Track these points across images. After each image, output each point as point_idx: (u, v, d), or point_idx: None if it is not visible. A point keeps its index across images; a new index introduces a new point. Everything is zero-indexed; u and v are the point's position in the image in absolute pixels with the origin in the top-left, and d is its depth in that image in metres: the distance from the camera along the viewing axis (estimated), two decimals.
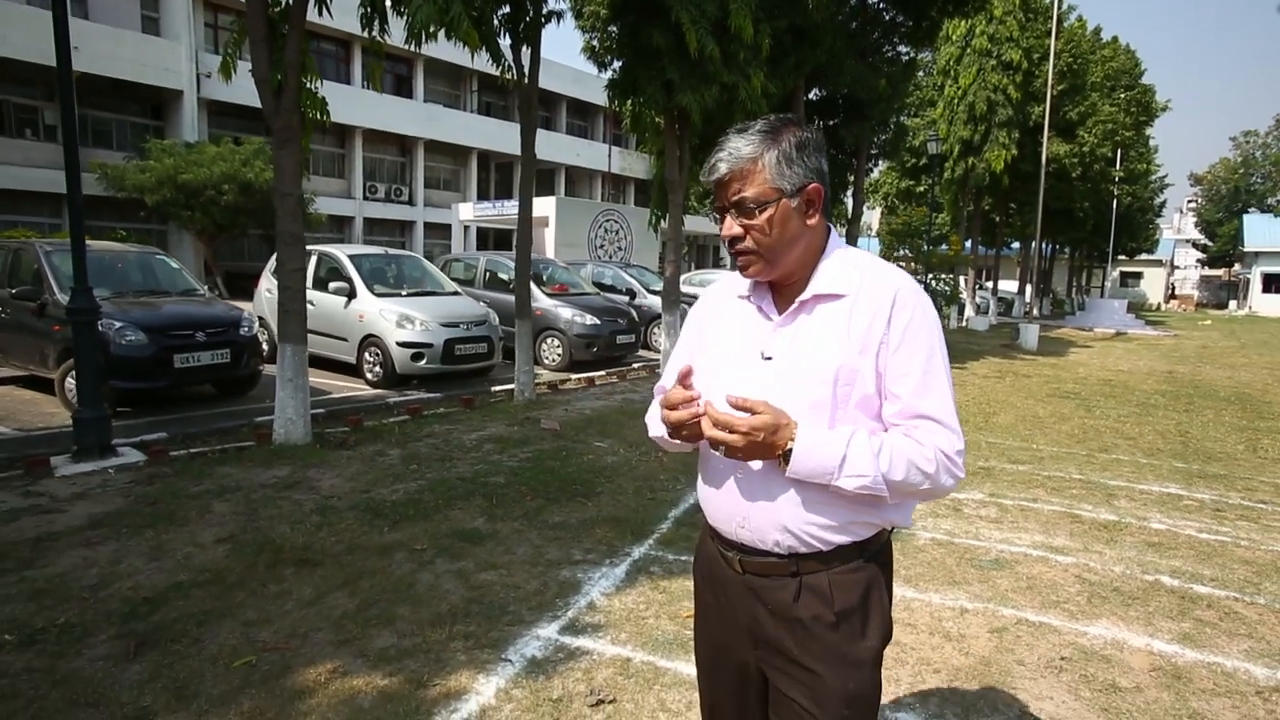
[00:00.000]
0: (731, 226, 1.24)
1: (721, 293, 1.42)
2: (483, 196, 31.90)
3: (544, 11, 6.70)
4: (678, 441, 1.30)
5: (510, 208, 24.49)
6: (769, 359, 1.25)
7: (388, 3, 4.96)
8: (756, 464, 1.24)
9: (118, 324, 5.75)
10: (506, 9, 6.32)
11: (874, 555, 1.27)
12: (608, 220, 21.70)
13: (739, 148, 1.21)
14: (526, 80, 6.69)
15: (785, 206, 1.21)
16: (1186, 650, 2.84)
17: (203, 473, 4.65)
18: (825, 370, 1.20)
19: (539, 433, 6.15)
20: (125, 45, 21.43)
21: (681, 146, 8.90)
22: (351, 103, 24.20)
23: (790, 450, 1.14)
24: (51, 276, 6.19)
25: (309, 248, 9.48)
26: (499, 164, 34.15)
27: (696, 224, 24.58)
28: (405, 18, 4.46)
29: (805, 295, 1.25)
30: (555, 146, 33.76)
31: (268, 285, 9.11)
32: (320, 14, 5.11)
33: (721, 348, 1.33)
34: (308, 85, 5.14)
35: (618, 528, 4.06)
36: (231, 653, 2.68)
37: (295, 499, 4.29)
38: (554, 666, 2.65)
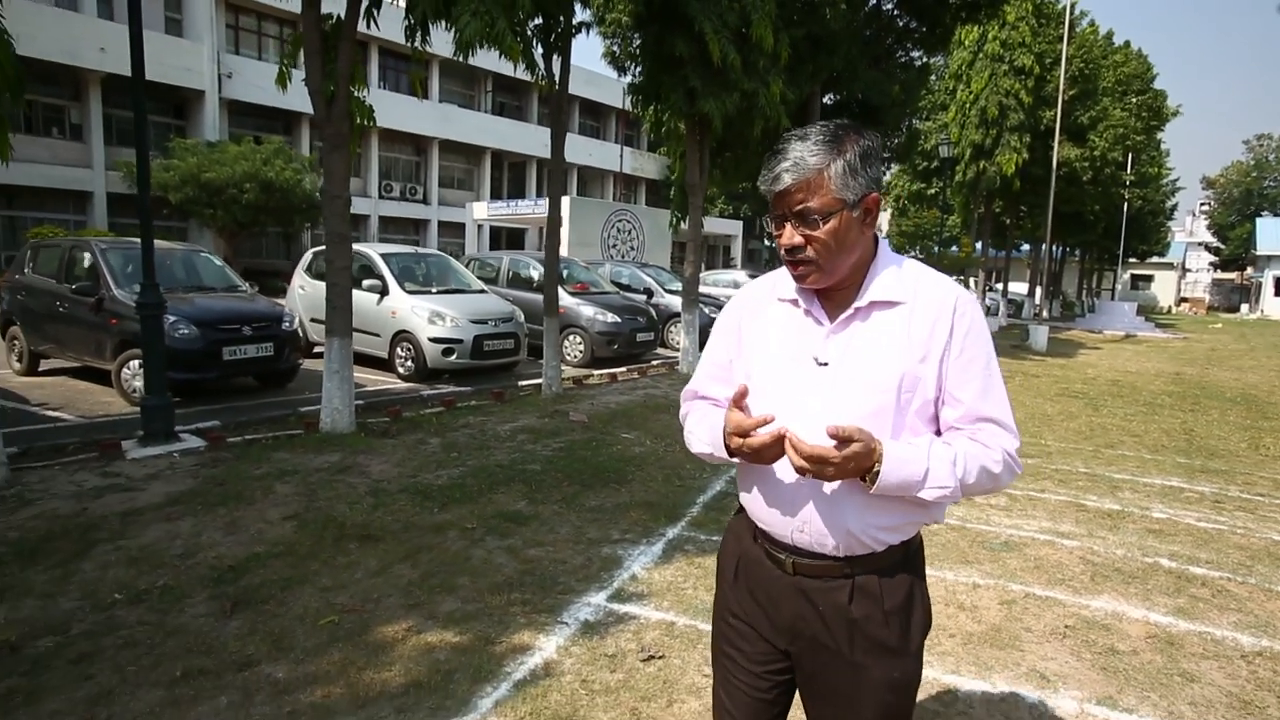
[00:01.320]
0: (793, 236, 1.21)
1: (759, 295, 1.39)
2: (496, 196, 32.22)
3: (574, 22, 6.99)
4: (729, 459, 1.31)
5: (524, 207, 24.83)
6: (824, 365, 1.25)
7: (428, 17, 5.23)
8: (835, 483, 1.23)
9: (171, 318, 6.08)
10: (539, 20, 6.61)
11: (914, 554, 1.33)
12: (620, 220, 21.98)
13: (804, 157, 1.19)
14: (558, 88, 6.98)
15: (847, 217, 1.19)
16: (1180, 621, 3.11)
17: (260, 457, 4.98)
18: (889, 378, 1.21)
19: (568, 425, 6.45)
20: (149, 46, 21.75)
21: (702, 151, 9.19)
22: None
23: (877, 470, 1.15)
24: (108, 273, 6.53)
25: None
26: (512, 164, 34.49)
27: (708, 224, 24.82)
28: (453, 32, 4.74)
29: (861, 302, 1.25)
30: (568, 147, 33.48)
31: (300, 282, 9.46)
32: (369, 26, 5.41)
33: (769, 352, 1.32)
34: (356, 94, 5.45)
35: (651, 511, 4.35)
36: (315, 613, 2.98)
37: (349, 482, 4.61)
38: (606, 629, 2.95)
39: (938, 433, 1.27)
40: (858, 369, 1.22)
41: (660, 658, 2.72)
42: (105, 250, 6.74)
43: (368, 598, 3.13)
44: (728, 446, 1.27)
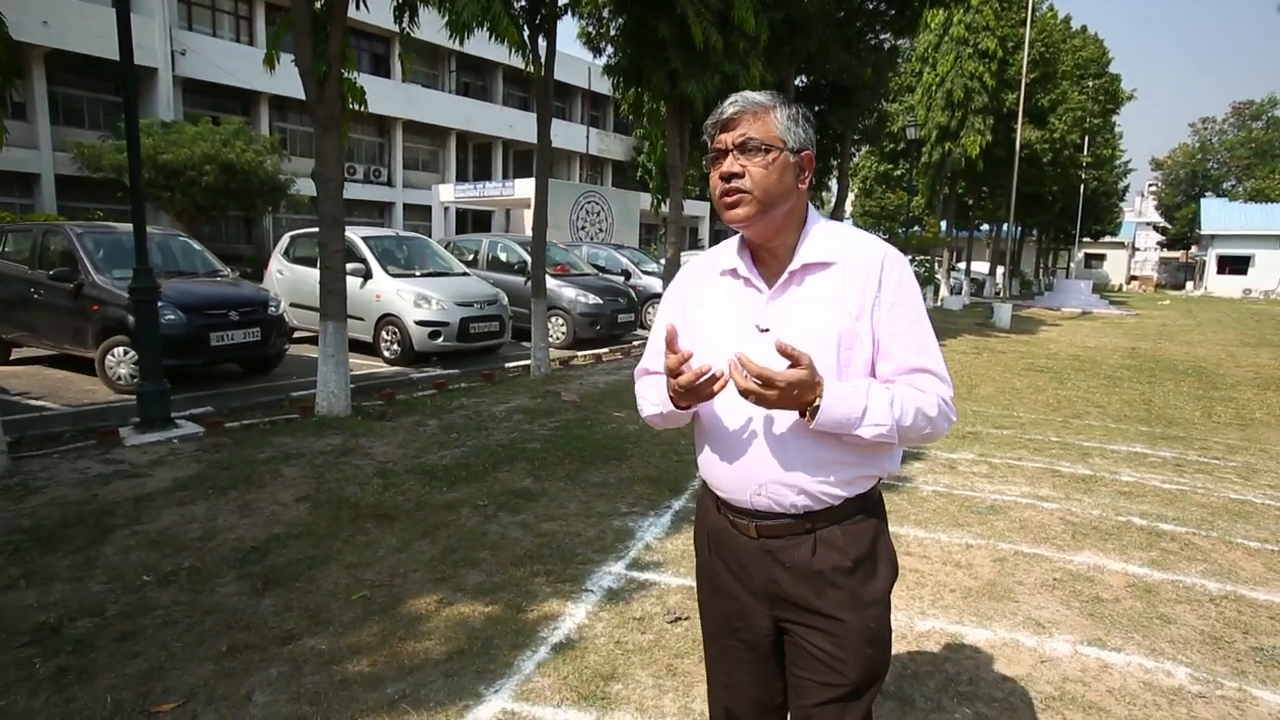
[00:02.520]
0: (731, 164, 1.25)
1: (701, 270, 1.43)
2: (461, 178, 31.78)
3: (559, 4, 6.99)
4: (678, 412, 1.35)
5: (491, 189, 24.58)
6: (765, 330, 1.28)
7: (419, 1, 5.21)
8: (770, 421, 1.28)
9: (158, 304, 5.99)
10: (524, 2, 6.60)
11: (874, 506, 1.36)
12: (589, 201, 21.92)
13: (751, 97, 1.27)
14: (544, 71, 6.99)
15: (785, 159, 1.24)
16: (1154, 571, 3.38)
17: (262, 442, 4.99)
18: (827, 337, 1.25)
19: (561, 404, 6.55)
20: (96, 20, 20.90)
21: (682, 133, 9.27)
22: None
23: (817, 404, 1.18)
24: (86, 258, 6.39)
25: (314, 230, 9.70)
26: (477, 145, 34.00)
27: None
28: (448, 15, 4.74)
29: (794, 265, 1.28)
30: (533, 127, 32.73)
31: (278, 266, 9.33)
32: (358, 8, 5.36)
33: (712, 322, 1.35)
34: (347, 76, 5.41)
35: (654, 485, 4.50)
36: (346, 589, 3.07)
37: (355, 464, 4.66)
38: (630, 594, 3.09)
39: None
40: (797, 332, 1.24)
41: (686, 619, 2.88)
42: (82, 235, 6.58)
43: (394, 573, 3.22)
44: (672, 398, 1.30)
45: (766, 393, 1.17)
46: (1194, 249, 50.30)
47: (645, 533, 3.77)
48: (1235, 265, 43.65)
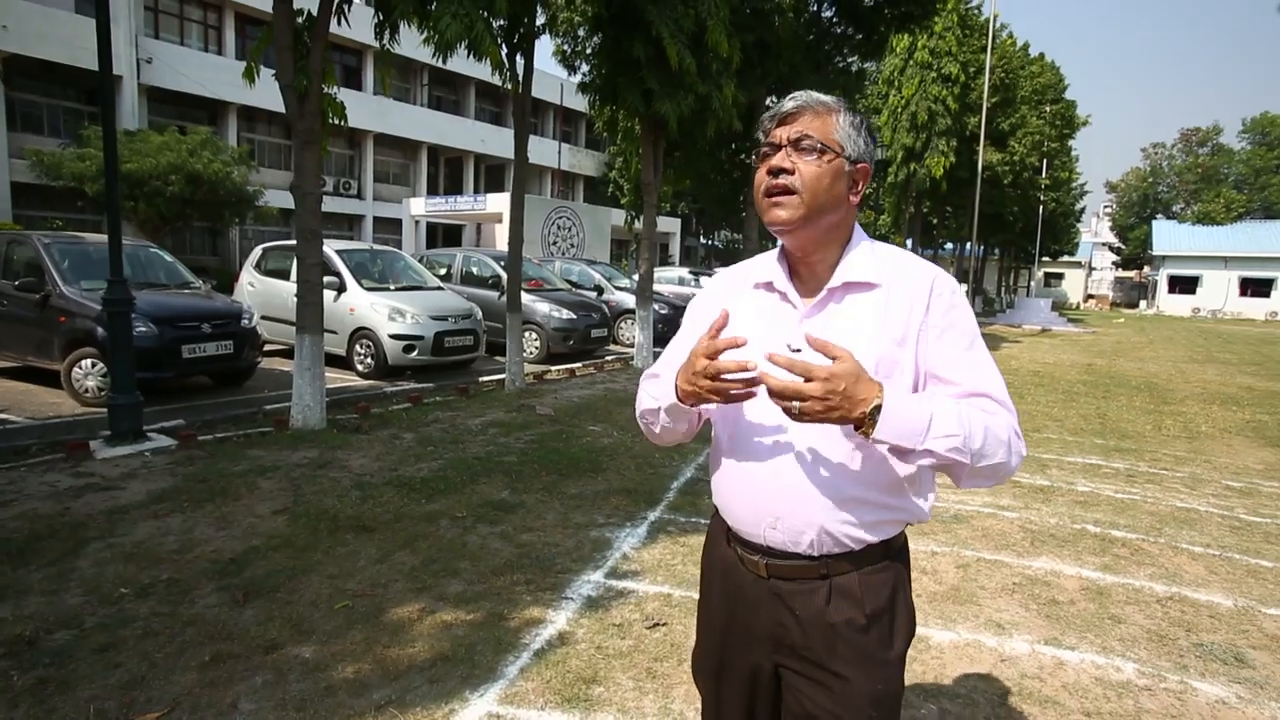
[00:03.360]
0: (783, 159, 1.16)
1: (734, 281, 1.35)
2: (432, 191, 31.71)
3: (536, 24, 7.13)
4: (681, 407, 1.22)
5: (463, 203, 24.57)
6: (797, 351, 1.16)
7: (406, 20, 5.30)
8: (804, 441, 1.16)
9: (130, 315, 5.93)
10: (503, 21, 6.71)
11: (897, 554, 1.25)
12: (560, 217, 22.03)
13: (817, 96, 1.19)
14: (522, 89, 7.10)
15: (840, 165, 1.16)
16: (1106, 575, 3.57)
17: (236, 455, 4.96)
18: (864, 363, 1.10)
19: (536, 418, 6.61)
20: (58, 25, 20.54)
21: (656, 150, 9.45)
22: None
23: (877, 408, 1.02)
24: (53, 269, 6.29)
25: (286, 243, 9.65)
26: (448, 159, 33.98)
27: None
28: (432, 34, 4.83)
29: (834, 283, 1.20)
30: (506, 142, 33.79)
31: (250, 279, 9.26)
32: (339, 24, 5.43)
33: (743, 337, 1.23)
34: (327, 91, 5.45)
35: (630, 497, 4.59)
36: (328, 599, 3.09)
37: (332, 476, 4.66)
38: (609, 602, 3.17)
39: None
40: None
41: (664, 625, 2.97)
42: (49, 245, 6.48)
43: (376, 583, 3.25)
44: (681, 388, 1.18)
45: (806, 388, 1.01)
46: (1147, 269, 52.14)
47: (622, 543, 3.85)
48: (1185, 285, 45.34)
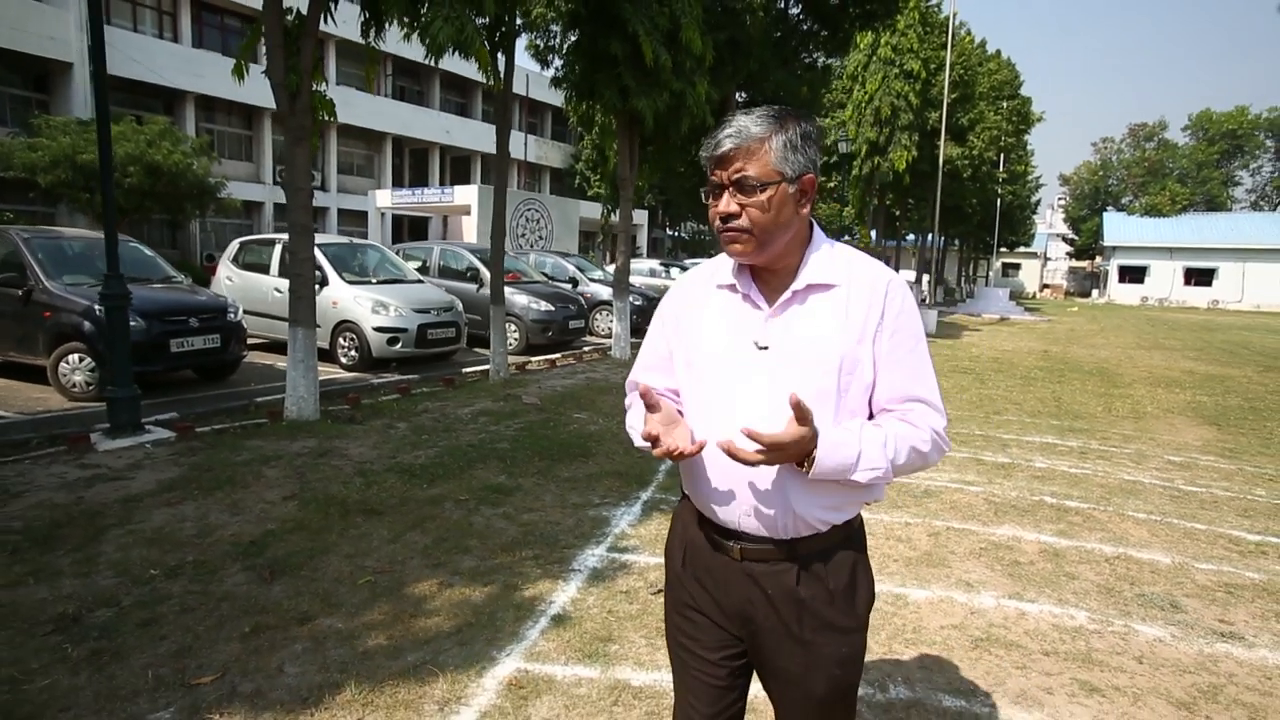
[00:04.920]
0: (729, 203, 1.22)
1: (697, 283, 1.40)
2: (397, 183, 31.35)
3: (517, 22, 7.27)
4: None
5: (430, 195, 24.40)
6: (764, 349, 1.26)
7: (395, 21, 5.42)
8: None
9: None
10: (485, 20, 6.85)
11: (855, 533, 1.36)
12: (529, 209, 22.05)
13: (747, 127, 1.21)
14: (503, 86, 7.25)
15: (784, 191, 1.21)
16: (1062, 540, 3.94)
17: (236, 445, 5.07)
18: (830, 360, 1.23)
19: (523, 407, 6.80)
20: (3, 9, 19.82)
21: (632, 146, 9.66)
22: (260, 83, 23.14)
23: (814, 455, 1.17)
24: (35, 264, 6.27)
25: (264, 236, 9.65)
26: (413, 150, 33.61)
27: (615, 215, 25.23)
28: (423, 37, 4.98)
29: (798, 285, 1.26)
30: (472, 133, 33.62)
31: (227, 273, 9.24)
32: (327, 23, 5.53)
33: (709, 338, 1.32)
34: (316, 89, 5.55)
35: (622, 479, 4.84)
36: (350, 576, 3.28)
37: (333, 464, 4.82)
38: (614, 573, 3.42)
39: (870, 415, 1.30)
40: (799, 351, 1.24)
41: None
42: (29, 240, 6.44)
43: (393, 561, 3.45)
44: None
45: (775, 457, 1.16)
46: (1098, 259, 54.02)
47: (619, 520, 4.10)
48: (1134, 275, 47.18)
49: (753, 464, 1.18)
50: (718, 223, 1.26)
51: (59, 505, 3.85)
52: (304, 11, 5.38)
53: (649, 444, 1.25)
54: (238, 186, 24.15)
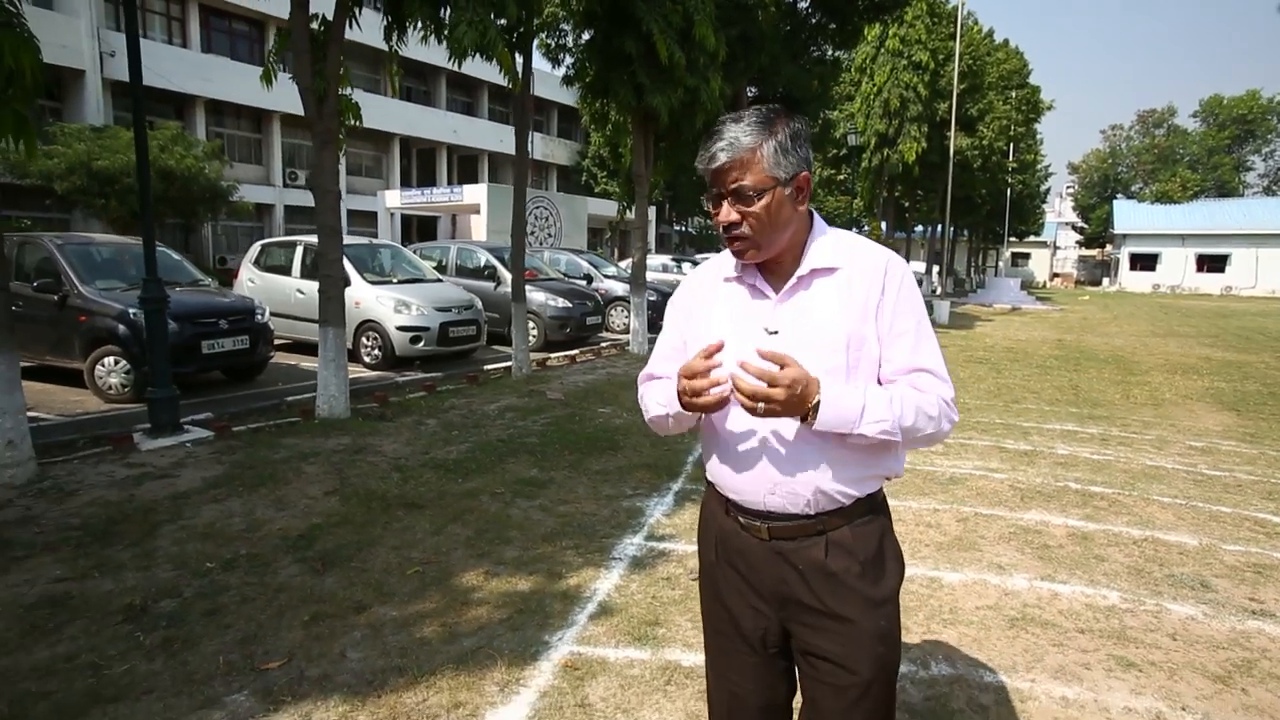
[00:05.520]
0: (729, 213, 1.28)
1: (706, 277, 1.46)
2: (405, 183, 31.50)
3: (535, 23, 7.35)
4: (686, 415, 1.36)
5: (439, 195, 24.53)
6: (774, 333, 1.31)
7: (419, 27, 5.51)
8: (782, 423, 1.30)
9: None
10: (503, 22, 6.93)
11: (880, 505, 1.40)
12: (538, 207, 22.14)
13: (738, 138, 1.26)
14: (522, 87, 7.33)
15: (779, 194, 1.27)
16: (1089, 524, 4.01)
17: (273, 443, 5.19)
18: (838, 339, 1.28)
19: (548, 402, 6.91)
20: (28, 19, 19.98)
21: (647, 143, 9.73)
22: (269, 86, 23.28)
23: (818, 403, 1.21)
24: (69, 270, 6.41)
25: (284, 238, 9.78)
26: (420, 150, 33.76)
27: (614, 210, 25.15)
28: (449, 40, 5.06)
29: (802, 271, 1.32)
30: (478, 132, 33.73)
31: (249, 275, 9.38)
32: (352, 29, 5.62)
33: (719, 327, 1.37)
34: (343, 93, 5.65)
35: (652, 471, 4.93)
36: (398, 567, 3.39)
37: (370, 461, 4.93)
38: (653, 560, 3.51)
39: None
40: (808, 333, 1.29)
41: None
42: (62, 246, 6.59)
43: (438, 552, 3.56)
44: (680, 397, 1.30)
45: (773, 392, 1.19)
46: (1109, 247, 53.66)
47: (654, 511, 4.19)
48: (1145, 262, 46.87)
49: (756, 406, 1.20)
50: (721, 229, 1.32)
51: (112, 503, 3.97)
52: (329, 18, 5.47)
53: (682, 389, 1.28)
54: (248, 189, 24.32)
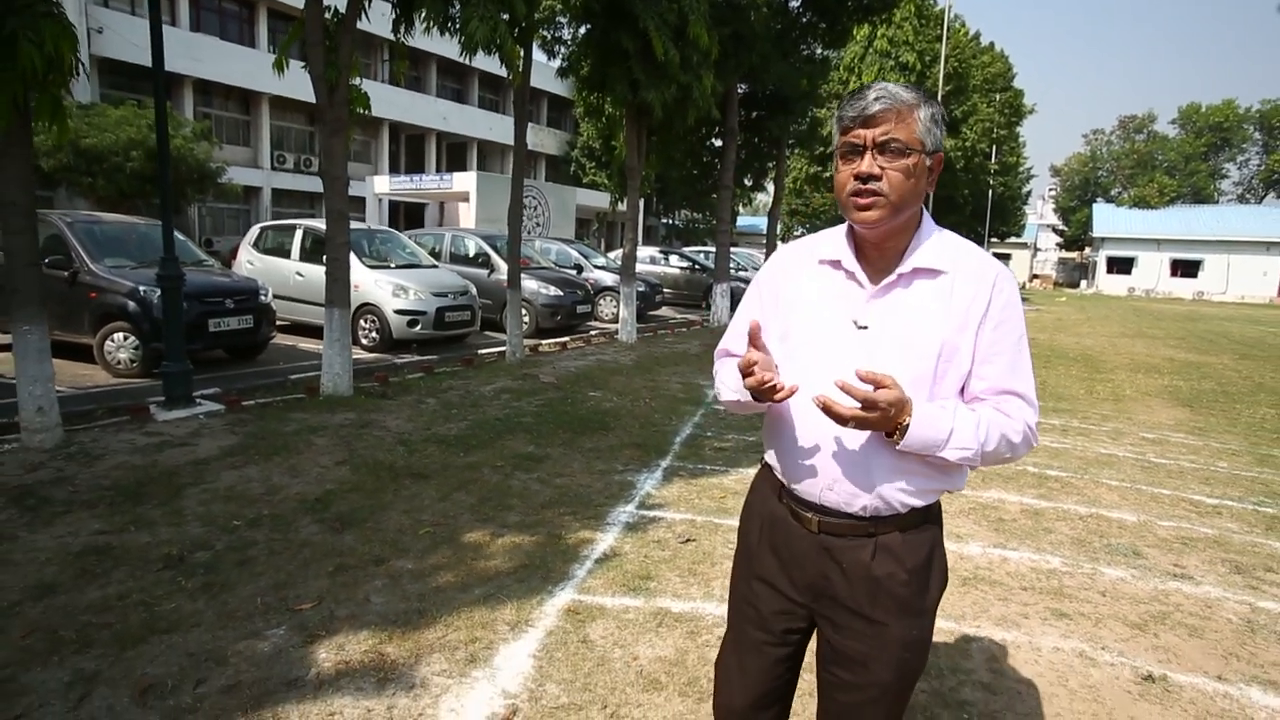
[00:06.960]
0: (872, 165, 1.20)
1: (797, 256, 1.39)
2: (394, 169, 31.46)
3: (536, 17, 7.60)
4: (756, 404, 1.32)
5: (428, 182, 24.58)
6: (864, 328, 1.25)
7: (431, 22, 5.75)
8: (863, 434, 1.24)
9: (159, 291, 6.29)
10: (506, 16, 7.17)
11: (935, 517, 1.35)
12: (527, 196, 22.25)
13: (897, 93, 1.20)
14: (523, 80, 7.58)
15: (921, 162, 1.21)
16: (1041, 502, 4.40)
17: (282, 417, 5.45)
18: (930, 345, 1.22)
19: (542, 385, 7.20)
20: None
21: (640, 137, 10.01)
22: (257, 67, 23.14)
23: (907, 424, 1.17)
24: (80, 247, 6.59)
25: (284, 221, 9.97)
26: (409, 136, 33.69)
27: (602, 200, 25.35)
28: (460, 35, 5.31)
29: (904, 268, 1.25)
30: (468, 120, 33.73)
31: (248, 257, 9.56)
32: (362, 20, 5.85)
33: (806, 312, 1.32)
34: (353, 83, 5.89)
35: (641, 449, 5.26)
36: (410, 528, 3.68)
37: (375, 435, 5.21)
38: (644, 526, 3.84)
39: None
40: (899, 334, 1.24)
41: (694, 540, 3.66)
42: (72, 224, 6.76)
43: (445, 516, 3.86)
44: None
45: (868, 416, 1.16)
46: (1087, 250, 54.65)
47: (644, 484, 4.52)
48: (1122, 266, 47.84)
49: (846, 422, 1.18)
50: (851, 184, 1.23)
51: (138, 466, 4.23)
52: (341, 9, 5.69)
53: (744, 377, 1.25)
54: (235, 172, 24.21)
